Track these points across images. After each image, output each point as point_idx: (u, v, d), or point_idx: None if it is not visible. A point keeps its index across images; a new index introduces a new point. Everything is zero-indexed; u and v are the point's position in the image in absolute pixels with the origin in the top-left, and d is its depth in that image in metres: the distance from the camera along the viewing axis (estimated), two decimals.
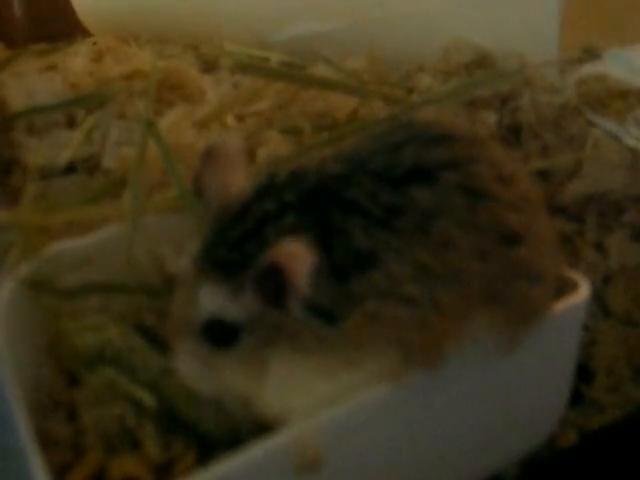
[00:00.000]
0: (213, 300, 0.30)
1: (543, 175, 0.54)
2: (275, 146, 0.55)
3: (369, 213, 0.30)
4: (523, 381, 0.36)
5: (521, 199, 0.33)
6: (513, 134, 0.59)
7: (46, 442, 0.31)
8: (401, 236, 0.30)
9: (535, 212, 0.33)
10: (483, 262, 0.31)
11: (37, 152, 0.56)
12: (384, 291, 0.29)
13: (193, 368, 0.32)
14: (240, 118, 0.62)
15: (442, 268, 0.30)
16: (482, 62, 0.67)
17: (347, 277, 0.29)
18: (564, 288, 0.35)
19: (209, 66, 0.79)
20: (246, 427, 0.32)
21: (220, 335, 0.31)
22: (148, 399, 0.33)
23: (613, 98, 0.65)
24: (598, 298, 0.48)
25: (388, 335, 0.30)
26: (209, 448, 0.32)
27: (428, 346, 0.30)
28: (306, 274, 0.28)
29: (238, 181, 0.33)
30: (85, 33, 0.96)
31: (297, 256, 0.28)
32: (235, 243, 0.30)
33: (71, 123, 0.62)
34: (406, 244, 0.30)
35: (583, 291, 0.36)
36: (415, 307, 0.30)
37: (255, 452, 0.28)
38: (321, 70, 0.69)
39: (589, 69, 0.70)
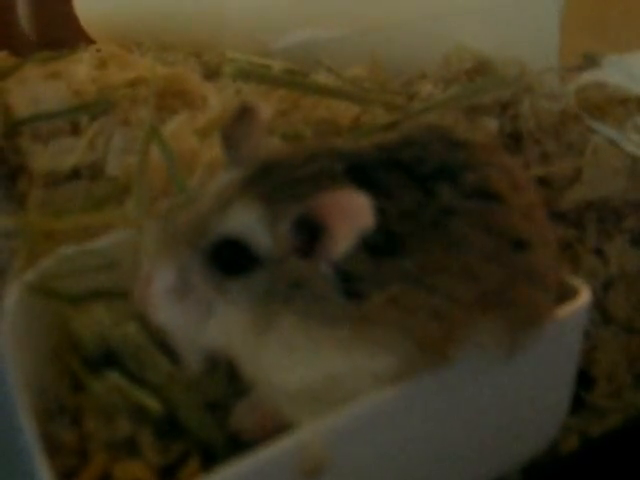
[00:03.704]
0: (245, 217, 0.27)
1: (543, 181, 0.55)
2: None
3: (401, 202, 0.30)
4: (524, 387, 0.36)
5: (530, 206, 0.33)
6: (513, 141, 0.59)
7: (51, 447, 0.32)
8: (425, 229, 0.30)
9: (541, 219, 0.34)
10: (493, 265, 0.31)
11: (42, 159, 0.57)
12: (410, 277, 0.29)
13: (176, 298, 0.27)
14: None
15: (457, 265, 0.30)
16: (482, 69, 0.67)
17: (380, 256, 0.29)
18: (564, 294, 0.36)
19: (211, 73, 0.79)
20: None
21: (234, 258, 0.27)
22: (154, 405, 0.33)
23: (613, 105, 0.66)
24: (599, 304, 0.48)
25: (406, 323, 0.30)
26: (210, 454, 0.32)
27: (440, 338, 0.30)
28: (355, 232, 0.27)
29: (263, 145, 0.32)
30: (88, 40, 0.97)
31: (356, 209, 0.26)
32: (285, 182, 0.28)
33: (75, 130, 0.62)
34: (428, 238, 0.30)
35: (583, 297, 0.36)
36: (434, 297, 0.30)
37: (260, 457, 0.28)
38: (322, 77, 0.69)
39: (589, 76, 0.70)
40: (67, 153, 0.57)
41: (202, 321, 0.28)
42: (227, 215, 0.28)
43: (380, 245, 0.29)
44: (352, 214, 0.27)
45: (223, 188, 0.29)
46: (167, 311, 0.28)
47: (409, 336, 0.30)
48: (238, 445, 0.32)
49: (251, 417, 0.33)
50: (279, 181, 0.29)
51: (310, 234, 0.28)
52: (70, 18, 1.02)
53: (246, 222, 0.28)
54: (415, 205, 0.30)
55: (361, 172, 0.30)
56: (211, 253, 0.28)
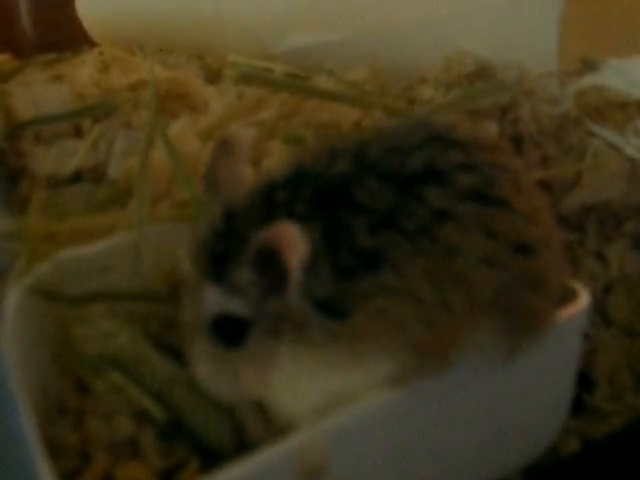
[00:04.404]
0: (215, 298, 0.30)
1: (544, 185, 0.55)
2: (279, 156, 0.55)
3: (373, 213, 0.30)
4: (524, 389, 0.36)
5: (535, 208, 0.33)
6: (514, 144, 0.59)
7: (53, 448, 0.32)
8: (410, 236, 0.30)
9: (546, 222, 0.34)
10: (493, 269, 0.31)
11: (44, 161, 0.57)
12: (394, 288, 0.29)
13: (210, 371, 0.32)
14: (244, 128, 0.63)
15: (451, 270, 0.30)
16: (482, 73, 0.68)
17: (354, 274, 0.29)
18: (565, 297, 0.36)
19: (213, 76, 0.80)
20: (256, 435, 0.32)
21: (229, 332, 0.31)
22: (156, 410, 0.33)
23: (612, 109, 0.66)
24: (599, 307, 0.48)
25: (397, 332, 0.30)
26: (212, 457, 0.33)
27: (436, 345, 0.30)
28: (299, 259, 0.28)
29: (249, 175, 0.33)
30: (91, 43, 0.97)
31: (289, 239, 0.27)
32: (232, 235, 0.30)
33: (77, 133, 0.62)
34: (415, 244, 0.30)
35: (584, 300, 0.36)
36: (425, 305, 0.30)
37: (259, 459, 0.29)
38: (324, 81, 0.69)
39: (588, 80, 0.71)
40: (69, 156, 0.57)
41: (233, 385, 0.32)
42: (203, 305, 0.31)
43: (353, 264, 0.29)
44: (291, 243, 0.28)
45: (190, 273, 0.32)
46: (215, 385, 0.32)
47: (405, 345, 0.30)
48: (243, 443, 0.33)
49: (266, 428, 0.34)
50: (227, 235, 0.30)
51: (271, 271, 0.29)
52: (72, 21, 1.02)
53: (218, 301, 0.30)
54: (393, 214, 0.30)
55: (329, 193, 0.30)
56: (213, 337, 0.31)
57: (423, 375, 0.31)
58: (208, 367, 0.32)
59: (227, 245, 0.30)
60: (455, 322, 0.30)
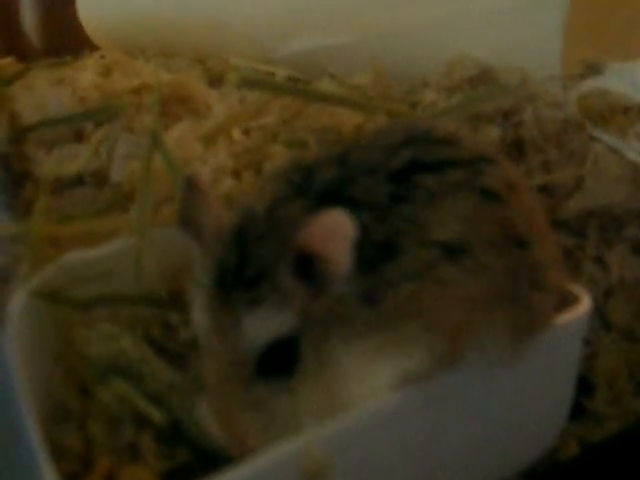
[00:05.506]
0: (259, 324, 0.29)
1: (545, 190, 0.55)
2: (280, 160, 0.55)
3: (374, 206, 0.30)
4: (524, 393, 0.36)
5: (529, 209, 0.33)
6: (516, 149, 0.59)
7: (56, 451, 0.32)
8: (415, 221, 0.30)
9: (539, 218, 0.34)
10: (499, 256, 0.31)
11: (46, 165, 0.57)
12: (417, 273, 0.30)
13: (267, 420, 0.30)
14: (246, 132, 0.63)
15: (465, 250, 0.30)
16: (485, 77, 0.68)
17: (375, 267, 0.30)
18: (566, 301, 0.36)
19: (215, 80, 0.80)
20: None
21: (283, 357, 0.29)
22: (157, 416, 0.33)
23: (615, 113, 0.66)
24: (599, 312, 0.48)
25: (427, 315, 0.30)
26: (211, 460, 0.33)
27: (462, 325, 0.31)
28: (350, 242, 0.28)
29: (219, 210, 0.32)
30: (93, 47, 0.97)
31: (338, 223, 0.27)
32: (253, 257, 0.29)
33: (79, 137, 0.63)
34: (424, 227, 0.30)
35: (584, 304, 0.36)
36: (446, 286, 0.30)
37: (260, 462, 0.29)
38: (326, 85, 0.70)
39: (591, 84, 0.71)
40: (71, 160, 0.58)
41: (297, 419, 0.30)
42: (245, 341, 0.29)
43: (372, 259, 0.29)
44: (337, 231, 0.27)
45: (219, 313, 0.30)
46: (273, 428, 0.30)
47: (434, 327, 0.30)
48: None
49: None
50: (251, 274, 0.29)
51: (311, 266, 0.28)
52: (73, 25, 1.03)
53: (266, 324, 0.29)
54: (392, 202, 0.30)
55: (329, 198, 0.30)
56: (264, 371, 0.29)
57: (440, 366, 0.31)
58: (262, 416, 0.30)
59: (255, 267, 0.29)
60: (477, 303, 0.31)
